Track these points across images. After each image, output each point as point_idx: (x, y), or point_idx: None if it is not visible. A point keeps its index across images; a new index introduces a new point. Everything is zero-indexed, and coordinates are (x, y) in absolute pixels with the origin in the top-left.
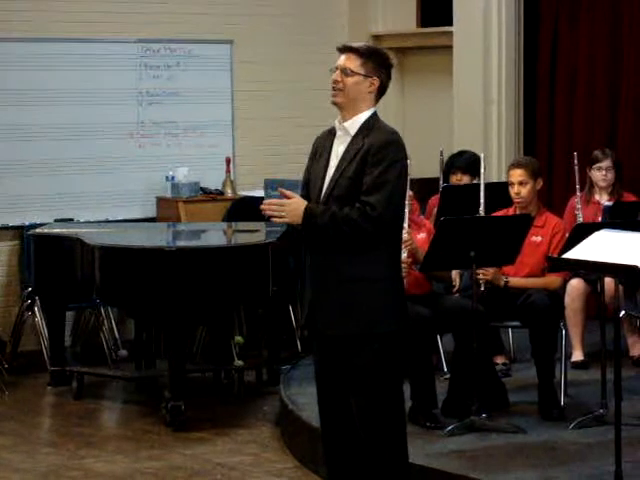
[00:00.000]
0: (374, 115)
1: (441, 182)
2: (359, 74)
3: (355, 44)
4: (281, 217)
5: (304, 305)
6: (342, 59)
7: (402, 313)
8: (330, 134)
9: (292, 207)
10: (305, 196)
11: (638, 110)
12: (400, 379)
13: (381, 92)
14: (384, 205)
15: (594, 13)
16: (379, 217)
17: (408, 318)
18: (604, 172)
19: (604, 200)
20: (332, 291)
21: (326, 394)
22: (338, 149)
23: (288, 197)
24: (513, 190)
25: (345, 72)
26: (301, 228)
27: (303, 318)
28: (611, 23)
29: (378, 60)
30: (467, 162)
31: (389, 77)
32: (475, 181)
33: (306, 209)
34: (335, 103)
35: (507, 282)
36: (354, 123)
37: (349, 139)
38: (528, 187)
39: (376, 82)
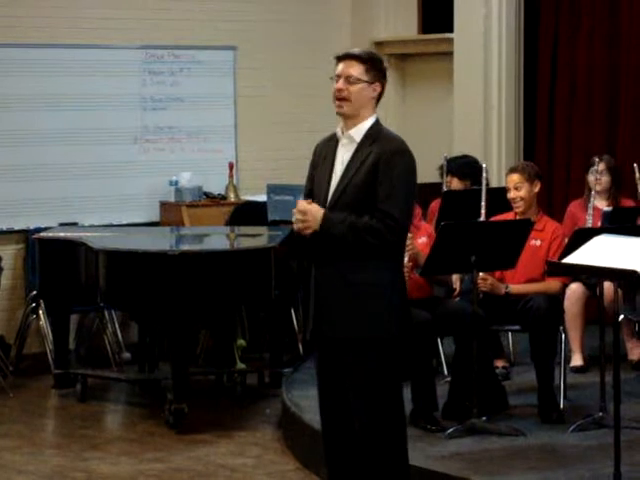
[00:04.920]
0: (377, 121)
1: (444, 187)
2: (363, 81)
3: (355, 51)
4: (306, 226)
5: (309, 315)
6: (343, 67)
7: (405, 318)
8: (331, 141)
9: (312, 215)
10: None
11: (637, 115)
12: (400, 383)
13: (380, 97)
14: (404, 215)
15: (594, 19)
16: (402, 227)
17: (411, 323)
18: (598, 176)
19: (602, 205)
20: (338, 295)
21: (328, 396)
22: (343, 157)
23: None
24: (510, 195)
25: (349, 80)
26: (318, 234)
27: (308, 330)
28: (610, 28)
29: (378, 65)
30: (457, 165)
31: (386, 81)
32: (465, 185)
33: (324, 216)
34: (341, 114)
35: (507, 290)
36: (359, 130)
37: (355, 146)
38: (523, 190)
39: (378, 88)
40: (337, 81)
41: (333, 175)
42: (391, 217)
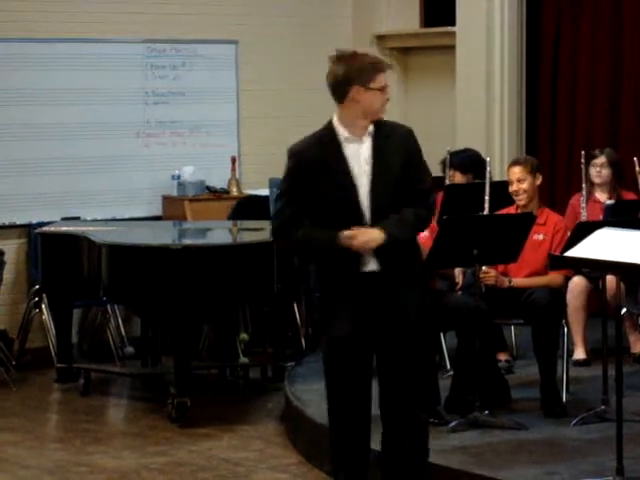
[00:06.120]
0: None
1: (446, 181)
2: None
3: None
4: (368, 244)
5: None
6: (385, 77)
7: (432, 306)
8: (325, 144)
9: (369, 233)
10: (317, 211)
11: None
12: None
13: None
14: (432, 186)
15: (596, 12)
16: (433, 202)
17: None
18: (598, 169)
19: (603, 198)
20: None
21: (355, 389)
22: (361, 155)
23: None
24: (512, 188)
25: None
26: (384, 246)
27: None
28: (613, 22)
29: None
30: (459, 159)
31: None
32: (467, 179)
33: (382, 229)
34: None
35: (510, 283)
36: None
37: (370, 142)
38: (526, 183)
39: None
40: (387, 91)
41: (356, 176)
42: (427, 194)
